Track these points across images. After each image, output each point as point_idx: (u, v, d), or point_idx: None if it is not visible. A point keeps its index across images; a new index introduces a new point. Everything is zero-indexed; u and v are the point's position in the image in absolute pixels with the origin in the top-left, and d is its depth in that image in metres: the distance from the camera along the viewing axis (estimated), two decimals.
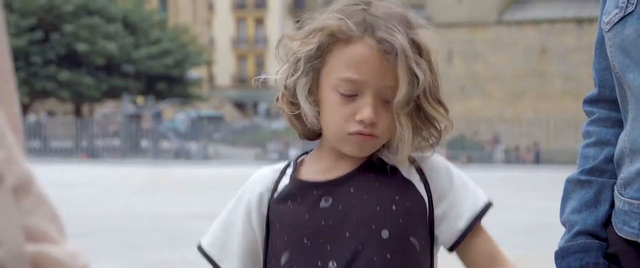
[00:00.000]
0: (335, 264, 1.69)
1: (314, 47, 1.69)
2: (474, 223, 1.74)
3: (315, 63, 1.70)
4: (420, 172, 1.75)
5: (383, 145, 1.74)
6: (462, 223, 1.74)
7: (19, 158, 0.81)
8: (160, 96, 45.30)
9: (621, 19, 1.83)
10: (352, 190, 1.72)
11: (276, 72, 1.77)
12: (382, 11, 1.69)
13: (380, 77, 1.66)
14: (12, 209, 0.79)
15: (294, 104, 1.73)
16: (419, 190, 1.74)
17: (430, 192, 1.75)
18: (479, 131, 40.64)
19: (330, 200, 1.72)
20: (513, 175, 27.05)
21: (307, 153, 1.83)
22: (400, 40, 1.64)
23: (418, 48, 1.67)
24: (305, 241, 1.71)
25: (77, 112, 45.48)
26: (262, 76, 1.85)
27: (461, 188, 1.76)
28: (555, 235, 2.01)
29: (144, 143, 39.27)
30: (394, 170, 1.74)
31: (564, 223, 1.97)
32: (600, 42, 1.94)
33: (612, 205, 1.91)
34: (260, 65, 74.87)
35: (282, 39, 1.76)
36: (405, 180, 1.74)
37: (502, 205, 14.49)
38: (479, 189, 1.79)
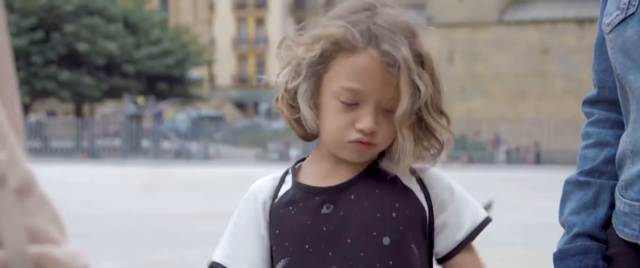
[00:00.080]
0: None
1: (317, 53, 1.69)
2: (473, 236, 1.77)
3: (317, 68, 1.70)
4: (420, 182, 1.77)
5: (384, 155, 1.75)
6: (461, 234, 1.76)
7: (20, 159, 0.82)
8: (160, 96, 45.32)
9: (622, 20, 1.83)
10: (353, 197, 1.73)
11: (277, 74, 1.77)
12: (387, 20, 1.69)
13: (382, 88, 1.66)
14: (15, 210, 0.79)
15: (293, 107, 1.74)
16: (419, 198, 1.75)
17: (431, 202, 1.76)
18: (480, 131, 40.66)
19: (332, 206, 1.73)
20: (514, 175, 27.05)
21: (304, 159, 1.83)
22: (403, 52, 1.65)
23: (421, 59, 1.68)
24: (307, 247, 1.71)
25: (78, 112, 45.50)
26: (263, 77, 1.85)
27: (461, 200, 1.78)
28: (555, 235, 2.01)
29: (145, 143, 39.28)
30: (394, 178, 1.75)
31: (562, 224, 1.97)
32: (600, 43, 1.94)
33: (611, 206, 1.91)
34: (261, 65, 74.87)
35: (284, 40, 1.76)
36: (406, 187, 1.75)
37: (502, 205, 14.50)
38: (478, 204, 1.80)
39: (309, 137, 1.78)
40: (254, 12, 75.48)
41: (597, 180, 1.93)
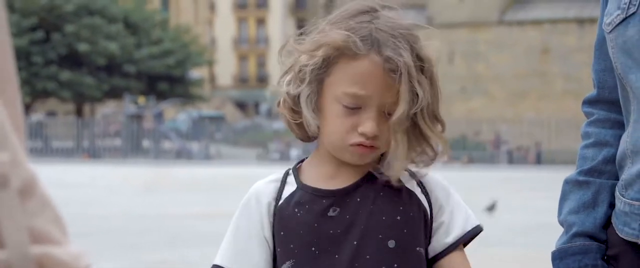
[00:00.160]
0: None
1: (319, 60, 1.69)
2: (461, 241, 1.78)
3: (319, 73, 1.70)
4: (420, 185, 1.79)
5: (382, 159, 1.76)
6: (450, 238, 1.78)
7: (23, 159, 0.82)
8: (161, 96, 45.31)
9: (623, 20, 1.83)
10: (358, 200, 1.74)
11: (279, 79, 1.77)
12: (388, 24, 1.70)
13: (383, 92, 1.67)
14: (17, 211, 0.79)
15: (296, 111, 1.74)
16: (422, 201, 1.77)
17: (431, 204, 1.78)
18: (481, 131, 40.65)
19: (338, 209, 1.74)
20: (514, 175, 27.03)
21: (302, 161, 1.84)
22: (405, 58, 1.66)
23: (421, 64, 1.69)
24: (313, 249, 1.72)
25: (79, 112, 45.50)
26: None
27: (456, 206, 1.80)
28: (555, 235, 2.01)
29: (146, 143, 39.27)
30: (398, 182, 1.76)
31: (561, 224, 1.97)
32: (600, 43, 1.94)
33: (611, 206, 1.91)
34: (261, 65, 74.89)
35: (286, 45, 1.76)
36: (409, 191, 1.77)
37: (502, 205, 14.49)
38: (471, 212, 1.82)
39: (309, 138, 1.78)
40: (255, 12, 75.48)
41: (597, 179, 1.93)
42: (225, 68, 73.78)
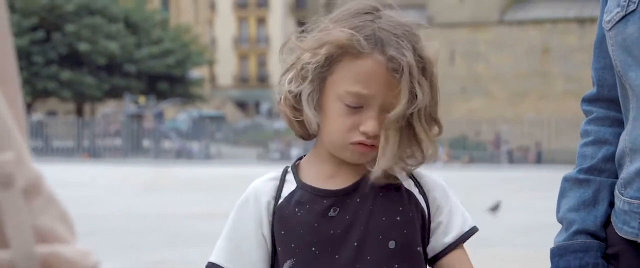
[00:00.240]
0: None
1: (322, 58, 1.69)
2: (459, 241, 1.78)
3: (322, 71, 1.70)
4: (418, 185, 1.79)
5: None
6: (448, 238, 1.78)
7: (27, 158, 0.82)
8: (161, 96, 45.32)
9: (623, 17, 1.83)
10: (358, 200, 1.74)
11: (280, 76, 1.77)
12: (390, 23, 1.70)
13: (386, 92, 1.67)
14: (23, 211, 0.79)
15: (297, 109, 1.73)
16: (420, 201, 1.77)
17: (429, 204, 1.78)
18: (481, 131, 40.66)
19: (338, 209, 1.74)
20: (514, 175, 27.03)
21: (300, 159, 1.83)
22: (408, 58, 1.66)
23: (423, 64, 1.68)
24: (313, 249, 1.72)
25: (79, 112, 45.50)
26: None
27: (454, 206, 1.80)
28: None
29: (146, 143, 39.27)
30: (397, 182, 1.76)
31: (560, 221, 1.97)
32: (600, 41, 1.94)
33: (611, 204, 1.91)
34: (262, 65, 74.88)
35: (287, 42, 1.76)
36: (408, 191, 1.77)
37: (503, 205, 14.49)
38: (467, 213, 1.83)
39: (309, 136, 1.78)
40: (255, 11, 75.48)
41: (597, 178, 1.93)
42: (226, 68, 73.79)
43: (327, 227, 1.72)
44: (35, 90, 40.72)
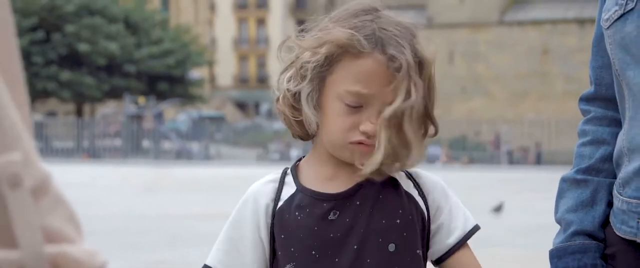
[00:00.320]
0: None
1: (322, 57, 1.68)
2: (463, 241, 1.78)
3: (322, 70, 1.70)
4: (417, 187, 1.78)
5: None
6: (452, 239, 1.78)
7: (35, 159, 0.82)
8: (161, 96, 45.31)
9: (621, 16, 1.83)
10: (358, 203, 1.74)
11: (279, 75, 1.76)
12: (390, 24, 1.69)
13: (386, 91, 1.67)
14: (31, 211, 0.80)
15: (296, 108, 1.73)
16: (419, 203, 1.77)
17: (428, 206, 1.78)
18: (481, 131, 40.66)
19: (338, 213, 1.73)
20: (514, 175, 27.02)
21: (300, 160, 1.83)
22: (408, 58, 1.65)
23: (421, 65, 1.68)
24: (314, 252, 1.72)
25: (79, 112, 45.51)
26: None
27: (455, 206, 1.80)
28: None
29: (146, 143, 39.26)
30: (396, 184, 1.76)
31: (558, 222, 1.96)
32: (598, 40, 1.94)
33: (609, 205, 1.91)
34: (261, 66, 74.87)
35: (286, 41, 1.76)
36: (407, 193, 1.77)
37: (503, 206, 14.49)
38: (469, 213, 1.83)
39: (307, 136, 1.78)
40: (255, 12, 75.47)
41: (594, 178, 1.93)
42: (226, 68, 73.77)
43: (327, 231, 1.72)
44: (35, 91, 40.71)
